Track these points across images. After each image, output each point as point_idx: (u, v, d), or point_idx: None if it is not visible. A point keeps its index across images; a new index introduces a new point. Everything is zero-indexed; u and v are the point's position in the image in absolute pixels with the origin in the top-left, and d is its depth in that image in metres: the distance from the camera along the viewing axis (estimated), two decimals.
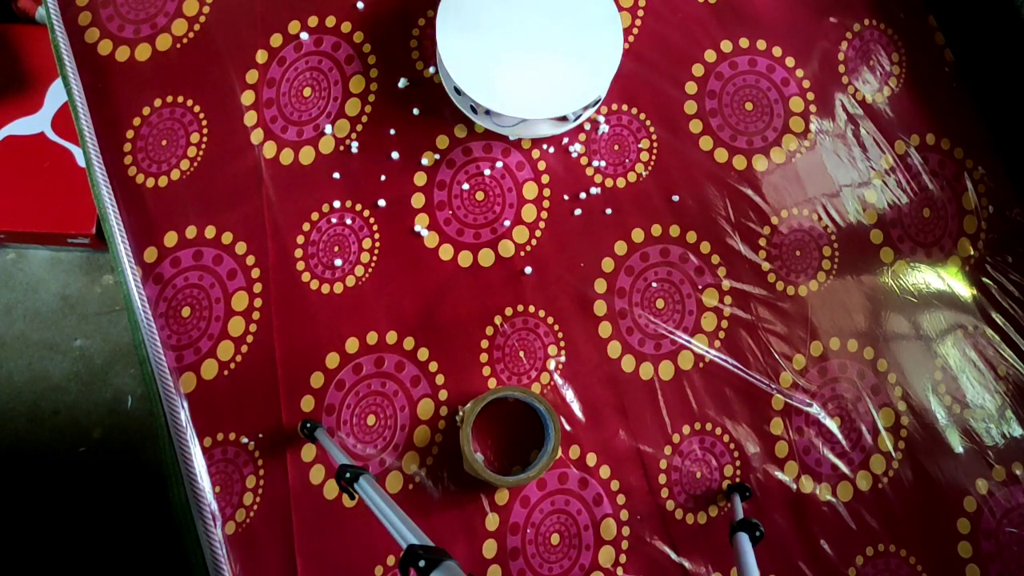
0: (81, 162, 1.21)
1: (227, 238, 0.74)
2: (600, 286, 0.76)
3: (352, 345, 0.73)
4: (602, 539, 0.71)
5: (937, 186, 0.82)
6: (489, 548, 0.70)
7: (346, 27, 0.79)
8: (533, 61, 0.74)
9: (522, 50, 0.74)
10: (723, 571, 0.72)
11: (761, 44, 0.82)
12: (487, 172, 0.77)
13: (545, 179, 0.78)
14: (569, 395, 0.74)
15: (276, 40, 0.79)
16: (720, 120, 0.80)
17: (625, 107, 0.80)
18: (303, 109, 0.77)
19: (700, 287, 0.77)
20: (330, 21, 0.79)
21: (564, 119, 0.76)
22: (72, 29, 0.78)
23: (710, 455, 0.74)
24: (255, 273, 0.74)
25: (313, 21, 0.79)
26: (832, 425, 0.76)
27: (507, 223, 0.76)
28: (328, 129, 0.77)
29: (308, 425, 0.69)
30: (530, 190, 0.77)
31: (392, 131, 0.77)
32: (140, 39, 0.78)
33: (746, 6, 0.83)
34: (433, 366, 0.73)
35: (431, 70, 0.79)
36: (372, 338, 0.73)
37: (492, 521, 0.71)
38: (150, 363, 0.71)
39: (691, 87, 0.81)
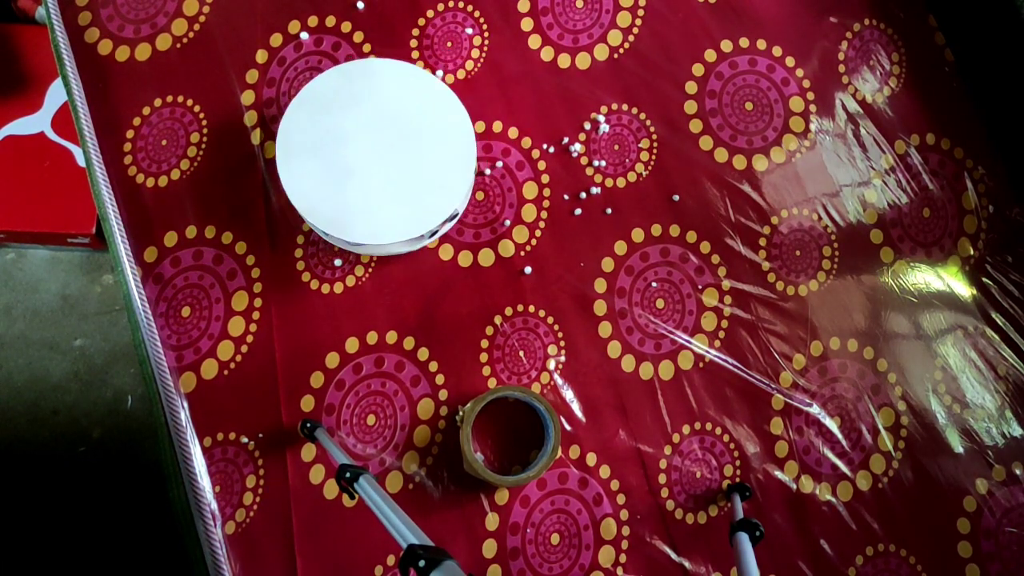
0: (81, 162, 1.21)
1: (227, 238, 0.74)
2: (600, 286, 0.76)
3: (352, 345, 0.73)
4: (602, 539, 0.71)
5: (937, 186, 0.82)
6: (489, 548, 0.70)
7: (346, 27, 0.79)
8: (381, 181, 0.68)
9: (369, 171, 0.68)
10: (723, 571, 0.72)
11: (761, 44, 0.82)
12: (487, 172, 0.77)
13: (545, 179, 0.78)
14: (569, 395, 0.74)
15: (276, 40, 0.79)
16: (720, 120, 0.80)
17: (625, 107, 0.80)
18: None
19: (700, 287, 0.77)
20: (330, 21, 0.79)
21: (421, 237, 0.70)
22: (72, 29, 0.78)
23: (710, 455, 0.74)
24: (255, 273, 0.74)
25: (313, 21, 0.79)
26: (832, 425, 0.76)
27: (507, 223, 0.76)
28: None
29: (308, 425, 0.69)
30: (530, 190, 0.77)
31: None
32: (140, 39, 0.78)
33: (746, 6, 0.83)
34: (433, 366, 0.73)
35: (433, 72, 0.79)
36: (372, 338, 0.73)
37: (492, 521, 0.71)
38: (150, 363, 0.71)
39: (691, 87, 0.81)
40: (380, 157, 0.69)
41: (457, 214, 0.72)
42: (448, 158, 0.70)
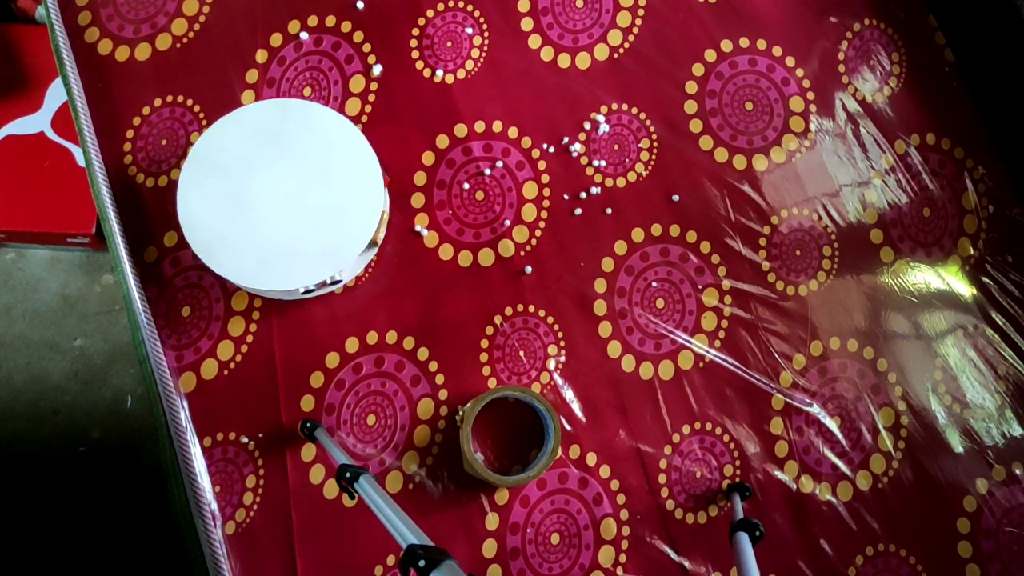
0: (81, 162, 1.21)
1: None
2: (600, 286, 0.76)
3: (352, 345, 0.73)
4: (602, 539, 0.71)
5: (937, 186, 0.82)
6: (489, 548, 0.70)
7: (346, 27, 0.79)
8: (272, 224, 0.66)
9: (264, 211, 0.66)
10: (723, 571, 0.72)
11: (761, 44, 0.82)
12: (487, 172, 0.77)
13: (545, 179, 0.78)
14: (569, 395, 0.74)
15: (276, 40, 0.79)
16: (720, 120, 0.80)
17: (625, 107, 0.80)
18: None
19: (700, 287, 0.77)
20: (330, 21, 0.79)
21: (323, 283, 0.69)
22: (72, 29, 0.78)
23: (710, 455, 0.74)
24: None
25: (313, 21, 0.79)
26: (832, 425, 0.76)
27: (507, 223, 0.76)
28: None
29: (308, 425, 0.69)
30: (530, 190, 0.77)
31: (392, 130, 0.77)
32: (140, 39, 0.78)
33: (746, 6, 0.83)
34: (433, 366, 0.73)
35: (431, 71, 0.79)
36: (372, 338, 0.73)
37: (492, 521, 0.71)
38: (150, 363, 0.71)
39: (691, 87, 0.81)
40: (280, 202, 0.67)
41: (339, 281, 0.70)
42: (345, 223, 0.67)
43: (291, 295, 0.70)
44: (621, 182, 0.78)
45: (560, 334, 0.75)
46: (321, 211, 0.67)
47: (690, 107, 0.80)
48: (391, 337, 0.73)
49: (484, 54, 0.80)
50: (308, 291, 0.69)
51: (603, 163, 0.78)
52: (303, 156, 0.68)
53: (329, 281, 0.68)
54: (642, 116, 0.80)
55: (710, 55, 0.81)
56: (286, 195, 0.67)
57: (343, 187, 0.68)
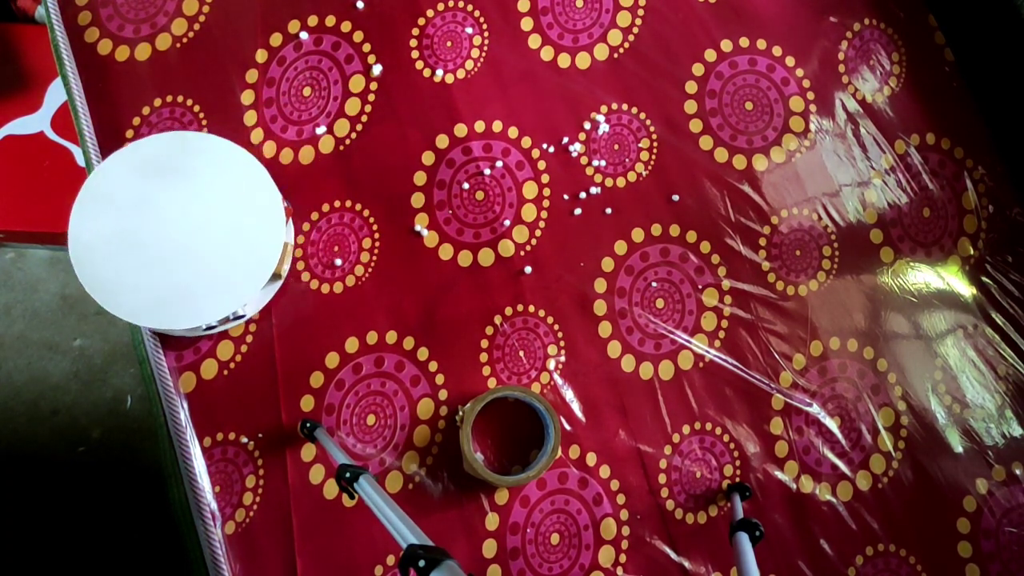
0: (81, 162, 1.21)
1: None
2: (600, 286, 0.76)
3: (352, 345, 0.73)
4: (602, 539, 0.71)
5: (937, 186, 0.82)
6: (489, 548, 0.70)
7: (346, 26, 0.79)
8: (168, 261, 0.64)
9: (160, 246, 0.64)
10: (723, 571, 0.72)
11: (761, 43, 0.82)
12: (487, 171, 0.77)
13: (545, 179, 0.78)
14: (569, 395, 0.74)
15: (276, 39, 0.79)
16: (720, 119, 0.80)
17: (625, 107, 0.80)
18: (303, 109, 0.77)
19: (700, 287, 0.77)
20: (330, 20, 0.79)
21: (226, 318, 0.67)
22: (72, 28, 0.78)
23: (710, 455, 0.74)
24: None
25: (313, 20, 0.79)
26: (832, 425, 0.76)
27: (507, 223, 0.76)
28: (320, 131, 0.77)
29: (308, 425, 0.69)
30: (530, 189, 0.77)
31: (392, 130, 0.77)
32: (140, 39, 0.78)
33: (746, 5, 0.83)
34: (433, 366, 0.73)
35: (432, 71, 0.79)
36: (372, 338, 0.73)
37: (492, 521, 0.71)
38: (149, 363, 0.71)
39: (691, 86, 0.81)
40: (178, 237, 0.65)
41: (242, 316, 0.69)
42: (246, 257, 0.65)
43: (194, 332, 0.69)
44: (621, 182, 0.78)
45: (560, 334, 0.75)
46: (221, 245, 0.65)
47: (690, 107, 0.80)
48: (391, 337, 0.73)
49: (484, 54, 0.80)
50: (210, 328, 0.67)
51: (603, 163, 0.78)
52: (202, 190, 0.66)
53: (232, 317, 0.67)
54: (642, 116, 0.80)
55: (710, 55, 0.81)
56: (185, 230, 0.65)
57: (243, 220, 0.66)
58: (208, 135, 0.68)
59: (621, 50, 0.81)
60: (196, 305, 0.64)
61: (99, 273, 0.64)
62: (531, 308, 0.75)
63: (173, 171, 0.66)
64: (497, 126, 0.78)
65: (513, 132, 0.78)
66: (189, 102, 0.77)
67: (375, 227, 0.76)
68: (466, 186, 0.77)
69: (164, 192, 0.66)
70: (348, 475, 0.57)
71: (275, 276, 0.68)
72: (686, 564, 0.72)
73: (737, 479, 0.74)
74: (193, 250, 0.65)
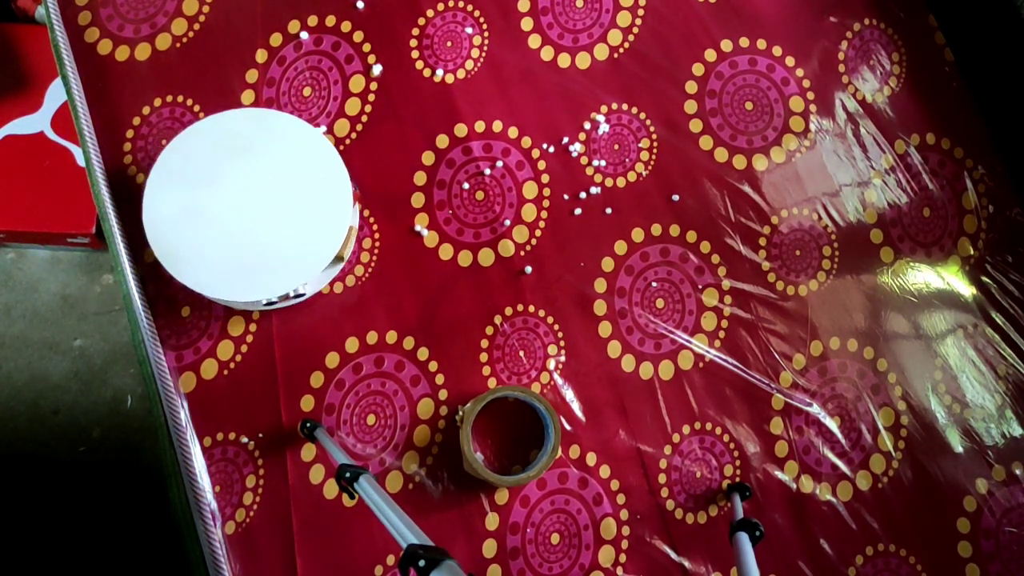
0: (81, 162, 1.21)
1: None
2: (600, 286, 0.76)
3: (352, 345, 0.73)
4: (602, 539, 0.71)
5: (937, 186, 0.82)
6: (489, 548, 0.70)
7: (346, 26, 0.79)
8: (235, 235, 0.66)
9: (228, 221, 0.66)
10: (723, 571, 0.72)
11: (761, 43, 0.82)
12: (487, 171, 0.77)
13: (545, 178, 0.78)
14: (569, 395, 0.74)
15: (276, 39, 0.79)
16: (720, 119, 0.80)
17: (625, 107, 0.80)
18: (303, 109, 0.77)
19: (700, 287, 0.77)
20: (330, 20, 0.79)
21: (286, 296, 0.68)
22: (72, 28, 0.78)
23: (710, 455, 0.74)
24: None
25: (313, 20, 0.79)
26: (832, 425, 0.76)
27: (507, 223, 0.76)
28: (320, 130, 0.77)
29: (308, 425, 0.69)
30: (530, 189, 0.77)
31: (392, 130, 0.77)
32: (140, 39, 0.78)
33: (746, 5, 0.83)
34: (433, 366, 0.73)
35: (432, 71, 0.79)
36: (372, 338, 0.73)
37: (492, 521, 0.71)
38: (150, 363, 0.71)
39: (691, 86, 0.81)
40: (247, 213, 0.66)
41: (302, 295, 0.70)
42: (311, 237, 0.66)
43: (253, 306, 0.70)
44: (621, 182, 0.78)
45: (560, 334, 0.75)
46: (288, 224, 0.67)
47: (690, 107, 0.80)
48: (391, 337, 0.73)
49: (484, 54, 0.80)
50: (270, 303, 0.68)
51: (603, 163, 0.78)
52: (273, 168, 0.67)
53: (292, 294, 0.68)
54: (642, 116, 0.80)
55: (710, 55, 0.81)
56: (253, 207, 0.67)
57: (311, 201, 0.67)
58: (284, 114, 0.69)
59: (621, 50, 0.81)
60: (259, 280, 0.65)
61: (168, 241, 0.65)
62: (531, 308, 0.75)
63: (247, 148, 0.67)
64: (497, 126, 0.78)
65: (513, 132, 0.78)
66: (189, 102, 0.77)
67: (375, 227, 0.76)
68: (466, 186, 0.77)
69: (236, 168, 0.67)
70: (348, 475, 0.57)
71: (338, 258, 0.69)
72: (686, 564, 0.72)
73: (737, 479, 0.74)
74: (261, 226, 0.66)
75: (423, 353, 0.73)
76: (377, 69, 0.78)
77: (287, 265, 0.66)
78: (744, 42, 0.82)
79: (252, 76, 0.78)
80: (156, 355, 0.71)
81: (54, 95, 1.25)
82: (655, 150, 0.79)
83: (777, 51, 0.82)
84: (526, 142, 0.78)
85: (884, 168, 0.81)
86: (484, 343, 0.74)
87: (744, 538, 0.60)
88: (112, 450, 1.31)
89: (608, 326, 0.75)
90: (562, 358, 0.75)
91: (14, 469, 1.29)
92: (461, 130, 0.78)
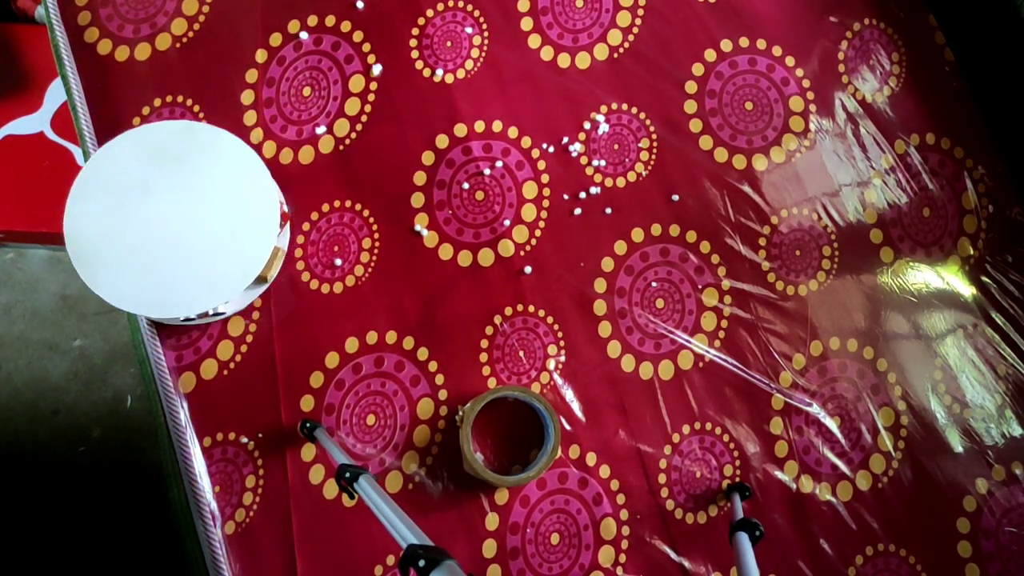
0: (81, 161, 1.21)
1: None
2: (600, 286, 0.76)
3: (352, 345, 0.73)
4: (602, 539, 0.71)
5: (937, 186, 0.82)
6: (489, 548, 0.70)
7: (346, 26, 0.79)
8: (157, 249, 0.64)
9: (151, 234, 0.64)
10: (723, 571, 0.72)
11: (761, 43, 0.82)
12: (487, 171, 0.77)
13: (545, 178, 0.78)
14: (569, 395, 0.74)
15: (276, 39, 0.79)
16: (720, 119, 0.80)
17: (625, 107, 0.80)
18: (303, 109, 0.77)
19: (700, 287, 0.77)
20: (330, 20, 0.79)
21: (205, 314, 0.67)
22: (71, 28, 0.78)
23: (710, 455, 0.74)
24: None
25: (313, 20, 0.79)
26: (832, 425, 0.76)
27: (507, 223, 0.76)
28: (320, 131, 0.77)
29: (308, 425, 0.69)
30: (530, 189, 0.77)
31: (392, 130, 0.77)
32: (139, 39, 0.78)
33: (746, 5, 0.83)
34: (433, 366, 0.73)
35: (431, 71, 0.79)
36: (372, 338, 0.73)
37: (492, 521, 0.71)
38: (149, 363, 0.71)
39: (691, 86, 0.81)
40: (172, 227, 0.65)
41: (221, 313, 0.69)
42: (235, 256, 0.65)
43: (171, 320, 0.69)
44: (621, 182, 0.78)
45: (560, 334, 0.75)
46: (212, 242, 0.65)
47: (690, 107, 0.80)
48: (391, 337, 0.73)
49: (484, 54, 0.80)
50: (188, 320, 0.68)
51: (603, 163, 0.78)
52: (202, 183, 0.66)
53: (211, 312, 0.67)
54: (642, 116, 0.80)
55: (710, 55, 0.81)
56: (179, 221, 0.65)
57: (238, 220, 0.66)
58: (219, 129, 0.68)
59: (621, 50, 0.81)
60: (177, 296, 0.64)
61: (88, 251, 0.64)
62: (531, 308, 0.75)
63: (177, 160, 0.66)
64: (497, 126, 0.78)
65: (513, 132, 0.78)
66: (189, 102, 0.77)
67: (375, 227, 0.76)
68: (466, 186, 0.77)
69: (165, 180, 0.66)
70: (348, 475, 0.57)
71: (261, 279, 0.68)
72: (686, 564, 0.72)
73: (737, 479, 0.74)
74: (184, 242, 0.65)
75: (423, 353, 0.73)
76: (377, 69, 0.78)
77: (208, 283, 0.64)
78: (744, 42, 0.82)
79: (252, 76, 0.78)
80: (156, 355, 0.71)
81: (54, 95, 1.25)
82: (655, 150, 0.79)
83: (777, 51, 0.82)
84: (526, 142, 0.78)
85: (884, 168, 0.81)
86: (484, 343, 0.74)
87: (744, 538, 0.60)
88: (112, 450, 1.31)
89: (608, 326, 0.75)
90: (562, 358, 0.75)
91: (14, 469, 1.29)
92: (461, 130, 0.78)
